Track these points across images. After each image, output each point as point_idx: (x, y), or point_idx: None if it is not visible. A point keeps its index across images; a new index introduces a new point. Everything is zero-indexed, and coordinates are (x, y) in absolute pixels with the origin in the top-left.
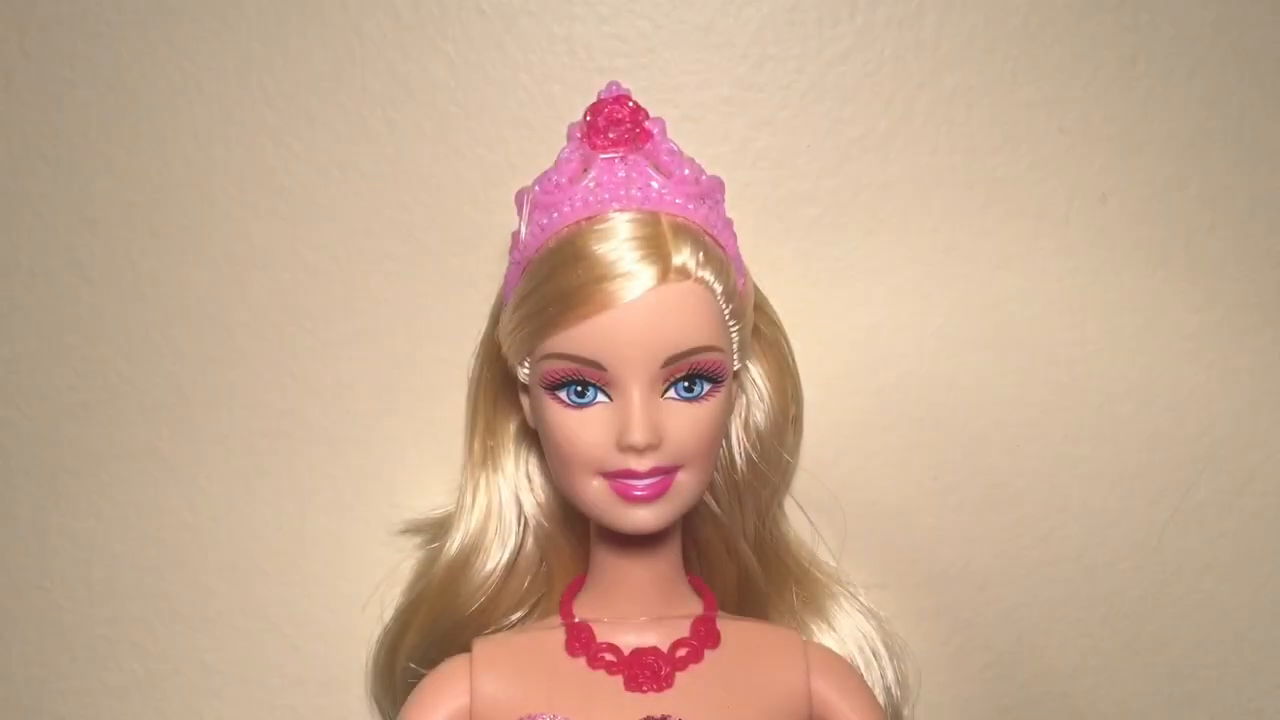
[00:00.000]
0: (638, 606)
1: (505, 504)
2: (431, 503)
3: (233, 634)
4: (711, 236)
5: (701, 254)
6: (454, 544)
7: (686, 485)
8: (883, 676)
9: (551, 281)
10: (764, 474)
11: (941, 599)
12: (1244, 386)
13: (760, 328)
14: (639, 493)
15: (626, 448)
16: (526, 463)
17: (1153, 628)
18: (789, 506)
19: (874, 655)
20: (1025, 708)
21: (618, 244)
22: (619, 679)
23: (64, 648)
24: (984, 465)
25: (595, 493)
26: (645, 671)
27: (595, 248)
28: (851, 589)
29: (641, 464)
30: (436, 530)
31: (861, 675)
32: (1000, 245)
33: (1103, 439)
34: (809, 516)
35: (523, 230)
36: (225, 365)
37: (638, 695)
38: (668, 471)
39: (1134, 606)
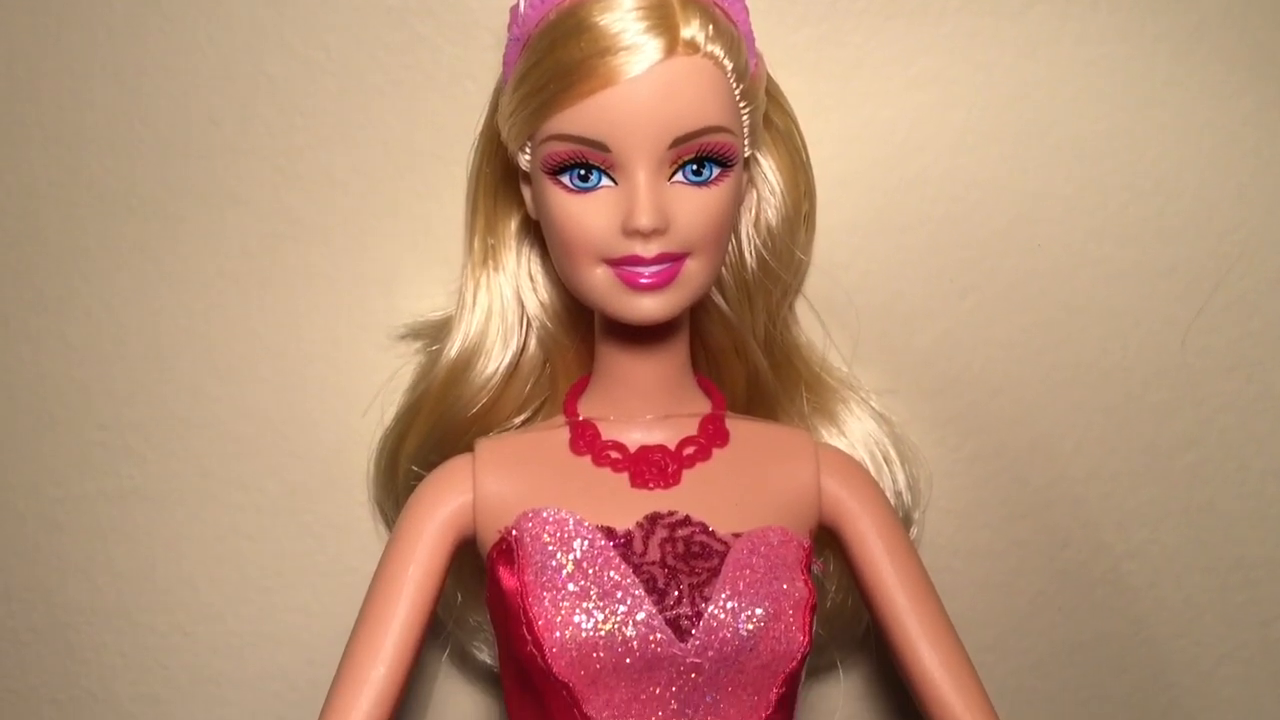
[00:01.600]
0: (644, 404)
1: (507, 304)
2: (431, 305)
3: (232, 439)
4: (722, 9)
5: (711, 27)
6: (454, 346)
7: (694, 274)
8: (893, 482)
9: (552, 57)
10: (775, 272)
11: (955, 404)
12: (1277, 180)
13: (772, 116)
14: (645, 280)
15: (632, 232)
16: (529, 261)
17: (1172, 432)
18: (800, 309)
19: (884, 460)
20: (1038, 514)
21: (622, 15)
22: (624, 476)
23: (60, 454)
24: (1003, 265)
25: (599, 281)
26: (651, 469)
27: (598, 19)
28: (863, 394)
29: (647, 250)
30: (436, 333)
31: (872, 476)
32: (1025, 31)
33: (1128, 236)
34: (821, 319)
35: (521, 3)
36: (213, 161)
37: (644, 492)
38: (675, 259)
39: (1154, 410)
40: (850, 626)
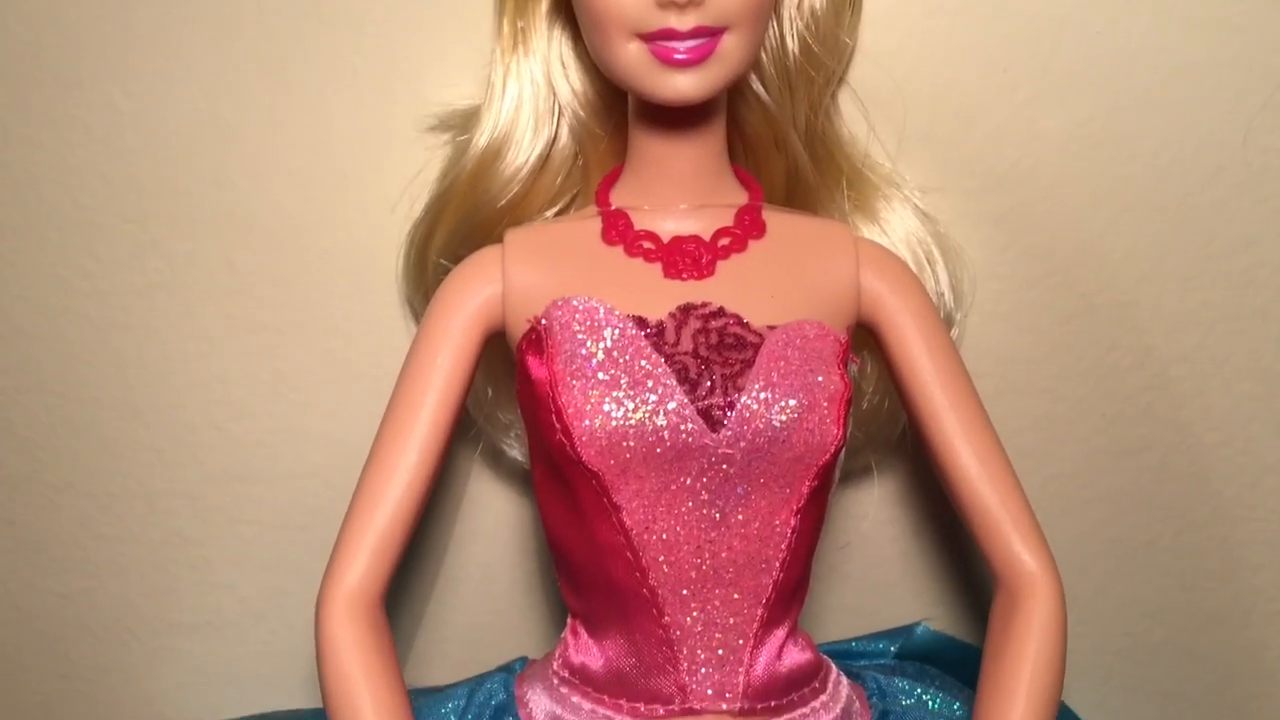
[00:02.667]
0: (678, 193)
1: (538, 91)
2: (459, 93)
3: (260, 234)
4: None
5: None
6: (483, 136)
7: (732, 51)
8: (935, 283)
9: None
10: (818, 58)
11: (1003, 203)
12: None
13: None
14: (680, 56)
15: (666, 3)
16: (560, 45)
17: (1229, 233)
18: (843, 99)
19: (927, 260)
20: (1085, 317)
21: None
22: (657, 266)
23: (87, 247)
24: (1060, 54)
25: (632, 58)
26: (685, 259)
27: None
28: (907, 191)
29: (683, 22)
30: (465, 123)
31: (913, 271)
32: None
33: (1191, 22)
34: (865, 110)
35: None
36: None
37: (676, 283)
38: (711, 33)
39: (1211, 210)
40: (886, 429)
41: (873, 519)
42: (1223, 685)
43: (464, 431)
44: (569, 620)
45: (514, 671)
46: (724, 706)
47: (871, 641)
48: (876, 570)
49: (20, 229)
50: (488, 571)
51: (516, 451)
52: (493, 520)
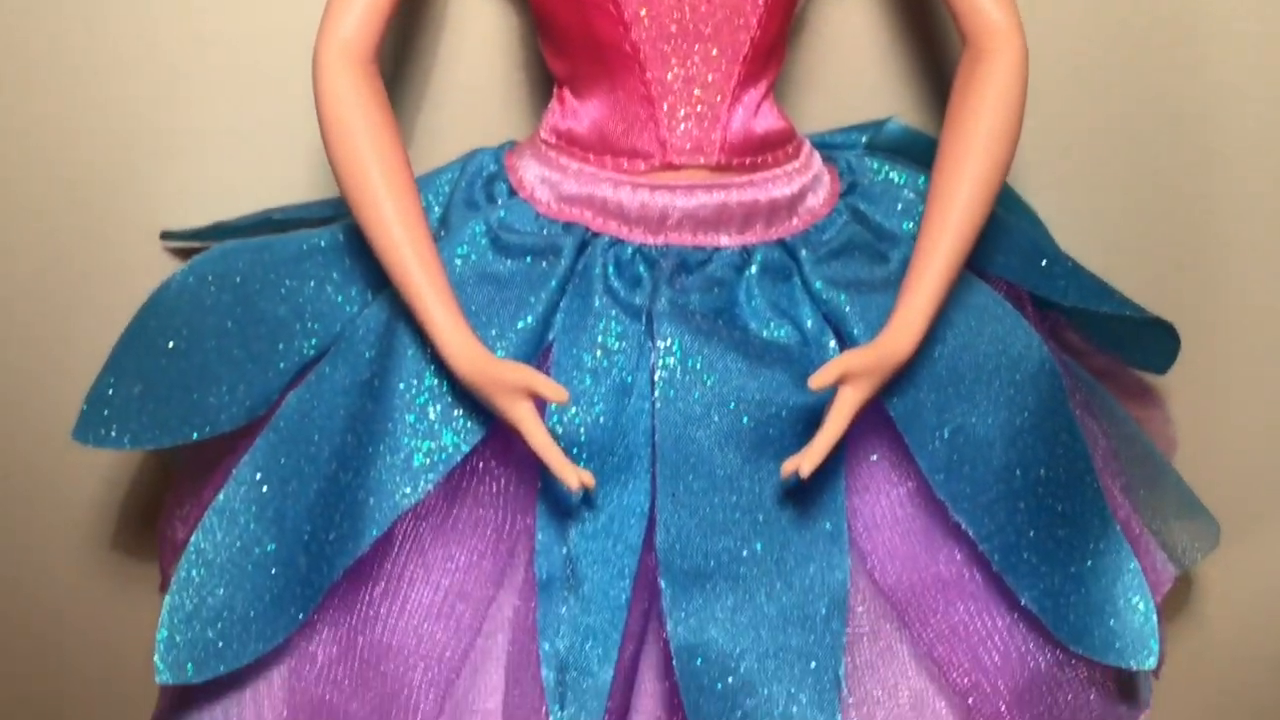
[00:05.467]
0: None
1: None
2: None
3: None
4: None
5: None
6: None
7: None
8: None
9: None
10: None
11: None
12: None
13: None
14: None
15: None
16: None
17: None
18: None
19: None
20: None
21: None
22: None
23: None
24: None
25: None
26: None
27: None
28: None
29: None
30: None
31: None
32: None
33: None
34: None
35: None
36: None
37: None
38: None
39: None
40: None
41: (846, 21)
42: (1176, 182)
43: None
44: (555, 90)
45: (504, 149)
46: (701, 161)
47: (844, 134)
48: (854, 74)
49: None
50: (473, 87)
51: None
52: (478, 36)
